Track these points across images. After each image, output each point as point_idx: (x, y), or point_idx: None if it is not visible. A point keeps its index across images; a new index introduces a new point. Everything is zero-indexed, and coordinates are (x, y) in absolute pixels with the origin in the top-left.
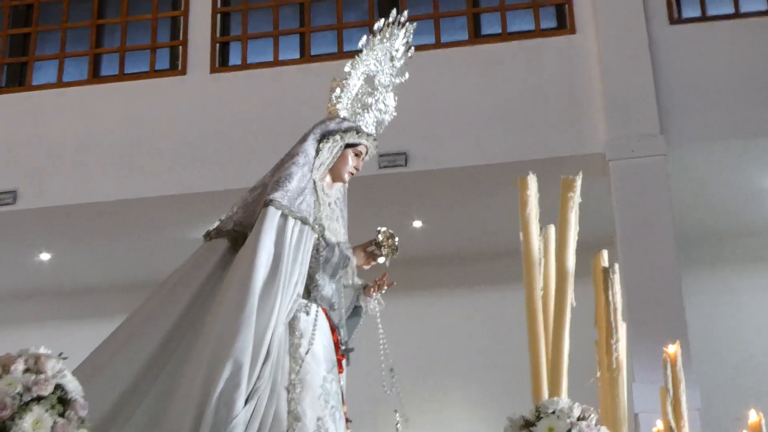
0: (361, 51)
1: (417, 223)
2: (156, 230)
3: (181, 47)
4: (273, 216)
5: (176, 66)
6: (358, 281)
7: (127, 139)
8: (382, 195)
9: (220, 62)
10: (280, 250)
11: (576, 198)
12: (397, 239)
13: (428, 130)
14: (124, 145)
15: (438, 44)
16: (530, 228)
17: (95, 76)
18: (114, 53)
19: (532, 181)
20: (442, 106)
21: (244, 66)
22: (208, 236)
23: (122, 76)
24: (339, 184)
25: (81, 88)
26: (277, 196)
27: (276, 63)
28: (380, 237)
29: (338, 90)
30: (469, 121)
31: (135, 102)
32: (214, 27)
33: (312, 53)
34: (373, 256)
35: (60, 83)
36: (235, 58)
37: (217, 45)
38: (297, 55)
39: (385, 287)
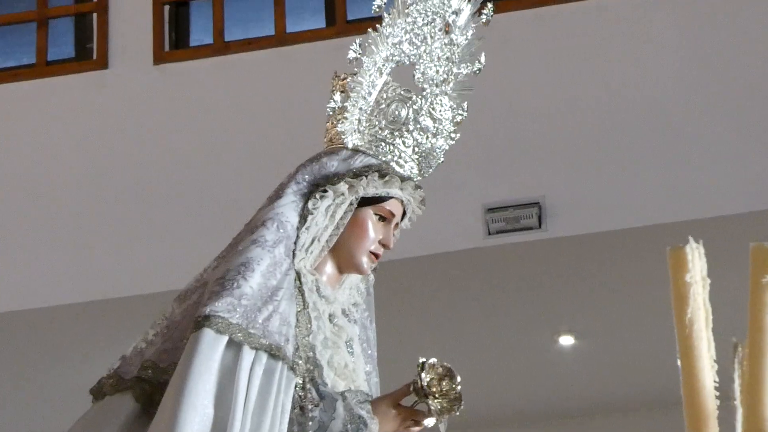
0: (380, 18)
1: (566, 339)
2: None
3: (96, 17)
4: (211, 346)
5: (88, 54)
6: None
7: None
8: (490, 286)
9: (173, 42)
10: (225, 414)
11: None
12: (458, 380)
13: (583, 160)
14: None
15: None
16: (693, 346)
17: None
18: None
19: (695, 255)
20: (607, 112)
21: (220, 47)
22: (100, 390)
23: None
24: (354, 278)
25: None
26: (219, 307)
27: (283, 38)
28: (425, 377)
29: (338, 96)
30: (664, 134)
31: (8, 123)
32: None
33: (349, 17)
34: (415, 417)
35: None
36: (200, 33)
37: (165, 10)
38: (321, 23)
39: None
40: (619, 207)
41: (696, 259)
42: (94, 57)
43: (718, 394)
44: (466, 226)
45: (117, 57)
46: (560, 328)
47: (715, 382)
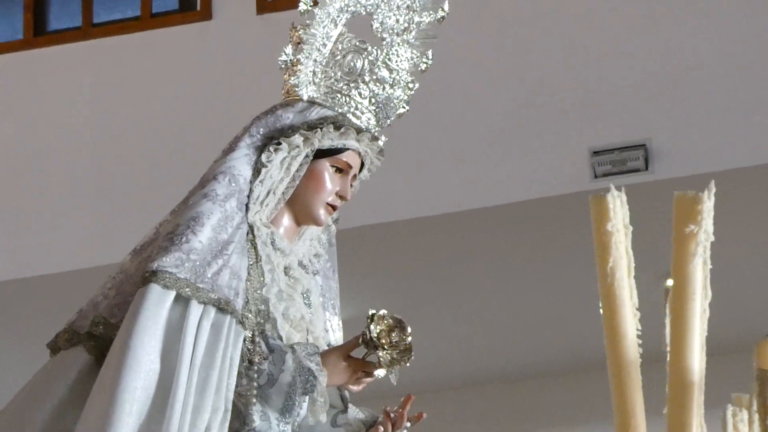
0: None
1: (672, 282)
2: None
3: None
4: (158, 301)
5: (191, 5)
6: (356, 414)
7: (98, 147)
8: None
9: None
10: (171, 369)
11: (702, 234)
12: (408, 331)
13: (689, 101)
14: (92, 160)
15: None
16: (615, 294)
17: (38, 33)
18: None
19: (617, 204)
20: (713, 50)
21: None
22: (56, 345)
23: (89, 30)
24: (315, 230)
25: (13, 55)
26: (167, 263)
27: None
28: (375, 328)
29: (289, 48)
30: None
31: (114, 76)
32: None
33: None
34: (365, 368)
35: None
36: None
37: None
38: None
39: (408, 423)
40: (726, 147)
41: (618, 207)
42: (198, 8)
43: (640, 342)
44: (572, 169)
45: (220, 8)
46: (667, 271)
47: (637, 330)
